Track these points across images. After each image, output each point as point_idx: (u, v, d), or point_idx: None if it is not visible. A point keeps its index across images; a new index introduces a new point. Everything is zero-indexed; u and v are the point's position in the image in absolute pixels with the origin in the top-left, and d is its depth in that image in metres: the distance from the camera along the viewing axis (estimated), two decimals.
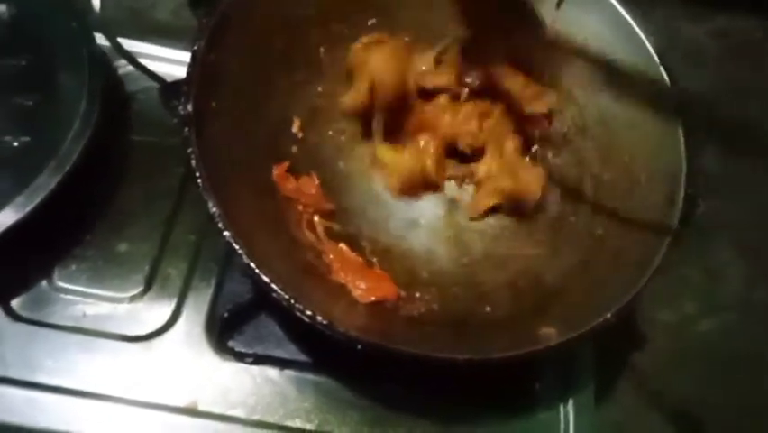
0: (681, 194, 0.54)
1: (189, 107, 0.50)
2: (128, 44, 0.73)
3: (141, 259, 0.61)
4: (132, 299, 0.59)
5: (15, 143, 0.60)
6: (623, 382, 0.69)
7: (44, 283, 0.59)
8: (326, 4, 0.62)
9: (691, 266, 0.80)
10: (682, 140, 0.56)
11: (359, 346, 0.46)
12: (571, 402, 0.59)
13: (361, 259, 0.58)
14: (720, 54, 0.95)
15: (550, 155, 0.67)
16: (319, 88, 0.65)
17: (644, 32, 0.60)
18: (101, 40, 0.71)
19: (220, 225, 0.47)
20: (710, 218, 0.80)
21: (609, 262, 0.56)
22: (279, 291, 0.46)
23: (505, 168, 0.64)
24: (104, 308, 0.58)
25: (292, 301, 0.46)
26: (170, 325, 0.58)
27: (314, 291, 0.53)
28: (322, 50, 0.64)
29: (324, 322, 0.45)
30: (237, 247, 0.46)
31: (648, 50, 0.59)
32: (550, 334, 0.49)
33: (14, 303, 0.57)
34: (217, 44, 0.54)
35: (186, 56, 0.72)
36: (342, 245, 0.58)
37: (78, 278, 0.59)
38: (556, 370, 0.60)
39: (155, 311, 0.59)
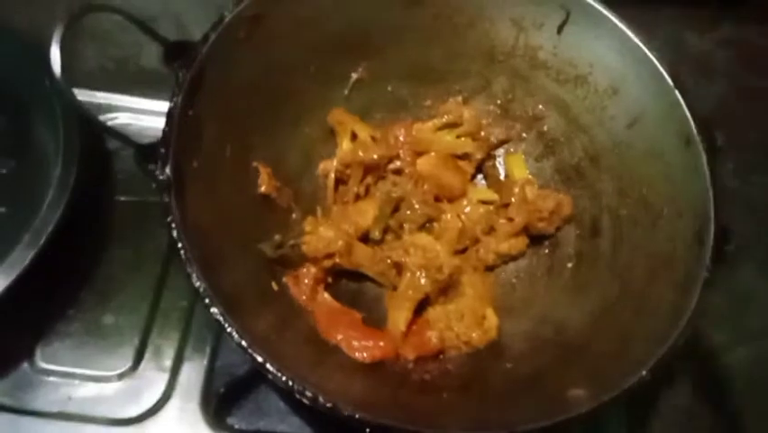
0: (712, 229, 0.49)
1: (168, 171, 0.46)
2: (113, 98, 0.70)
3: (130, 331, 0.57)
4: (121, 376, 0.55)
5: None
6: (655, 417, 0.64)
7: (26, 365, 0.55)
8: (312, 48, 0.58)
9: (716, 293, 0.75)
10: (706, 166, 0.51)
11: (367, 430, 0.41)
12: None
13: (358, 315, 0.54)
14: (729, 64, 0.91)
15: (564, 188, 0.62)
16: (306, 130, 0.61)
17: (651, 48, 0.55)
18: (83, 95, 0.69)
19: (206, 300, 0.43)
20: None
21: (637, 308, 0.51)
22: (275, 372, 0.41)
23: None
24: (90, 388, 0.54)
25: (290, 383, 0.41)
26: (163, 403, 0.54)
27: (315, 363, 0.49)
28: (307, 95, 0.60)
29: (328, 405, 0.41)
30: (227, 325, 0.42)
31: (661, 73, 0.54)
32: (579, 397, 0.44)
33: None
34: (196, 99, 0.50)
35: None
36: (327, 296, 0.54)
37: (62, 357, 0.55)
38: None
39: (146, 389, 0.55)
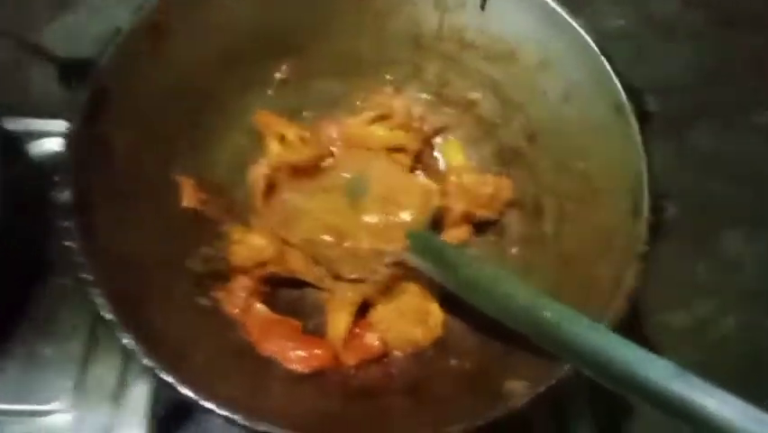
0: (646, 201, 0.47)
1: (67, 195, 0.44)
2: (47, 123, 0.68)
3: (68, 361, 0.55)
4: (63, 409, 0.53)
5: None
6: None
7: None
8: (227, 52, 0.56)
9: (698, 260, 0.72)
10: (638, 134, 0.49)
11: None
12: None
13: (297, 323, 0.52)
14: (695, 28, 0.88)
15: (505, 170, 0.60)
16: (232, 136, 0.59)
17: (576, 19, 0.53)
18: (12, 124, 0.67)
19: (115, 328, 0.41)
20: (713, 205, 0.73)
21: (580, 290, 0.49)
22: (185, 391, 0.39)
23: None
24: (30, 426, 0.52)
25: (215, 409, 0.39)
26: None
27: (249, 379, 0.47)
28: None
29: (244, 423, 0.39)
30: (138, 354, 0.40)
31: (589, 44, 0.52)
32: (515, 389, 0.43)
33: None
34: (101, 117, 0.48)
35: None
36: (261, 306, 0.52)
37: (0, 394, 0.53)
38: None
39: (88, 422, 0.53)
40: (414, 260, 0.51)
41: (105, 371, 0.55)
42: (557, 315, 0.42)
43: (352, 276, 0.53)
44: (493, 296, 0.45)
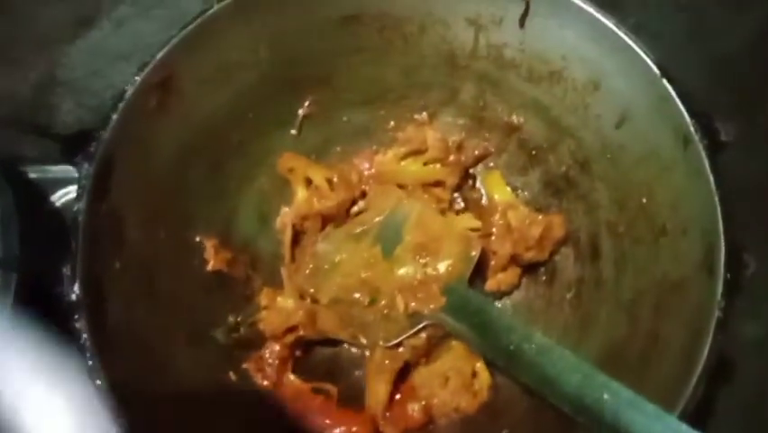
0: (722, 252, 0.40)
1: (76, 290, 0.41)
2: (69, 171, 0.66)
3: None
4: None
5: None
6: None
7: None
8: (245, 94, 0.52)
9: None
10: (709, 170, 0.42)
11: None
12: None
13: (333, 390, 0.49)
14: None
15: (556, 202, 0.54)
16: (256, 185, 0.55)
17: (628, 32, 0.46)
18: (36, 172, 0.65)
19: None
20: None
21: (646, 351, 0.43)
22: None
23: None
24: None
25: None
26: None
27: None
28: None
29: None
30: None
31: (644, 61, 0.45)
32: None
33: None
34: (108, 192, 0.44)
35: None
36: (293, 378, 0.49)
37: None
38: None
39: None
40: (451, 323, 0.47)
41: None
42: (617, 399, 0.37)
43: (388, 344, 0.48)
44: (541, 372, 0.40)
